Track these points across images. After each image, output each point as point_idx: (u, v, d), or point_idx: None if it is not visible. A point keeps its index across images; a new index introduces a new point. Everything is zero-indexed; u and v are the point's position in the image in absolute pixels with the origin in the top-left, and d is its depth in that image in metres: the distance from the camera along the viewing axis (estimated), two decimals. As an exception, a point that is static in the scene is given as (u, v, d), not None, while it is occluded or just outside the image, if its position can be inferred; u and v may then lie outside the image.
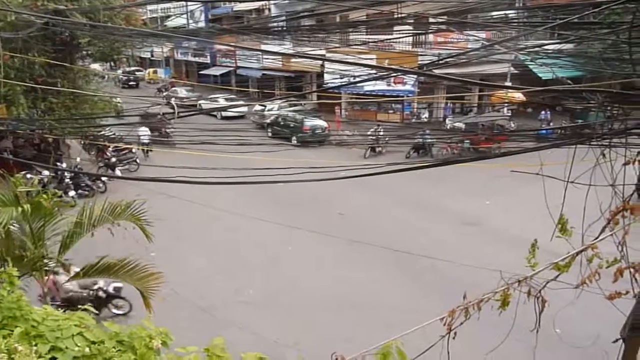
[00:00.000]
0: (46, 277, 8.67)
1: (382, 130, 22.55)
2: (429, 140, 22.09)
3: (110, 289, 10.67)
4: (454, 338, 3.13)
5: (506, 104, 25.54)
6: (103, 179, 18.79)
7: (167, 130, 22.40)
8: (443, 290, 11.88)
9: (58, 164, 19.67)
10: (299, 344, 9.54)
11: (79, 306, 8.85)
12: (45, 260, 7.20)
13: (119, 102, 22.06)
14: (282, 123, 27.66)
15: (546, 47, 7.56)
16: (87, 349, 3.33)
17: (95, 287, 10.58)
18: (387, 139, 22.07)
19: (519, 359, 9.01)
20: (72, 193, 17.23)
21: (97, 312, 9.85)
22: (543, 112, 27.71)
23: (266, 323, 10.60)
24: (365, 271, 12.77)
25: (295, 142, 25.53)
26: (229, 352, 3.31)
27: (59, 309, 9.51)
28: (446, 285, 12.03)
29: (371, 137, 22.97)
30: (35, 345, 3.31)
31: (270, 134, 27.19)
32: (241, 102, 32.70)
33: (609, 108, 4.31)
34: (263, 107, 30.93)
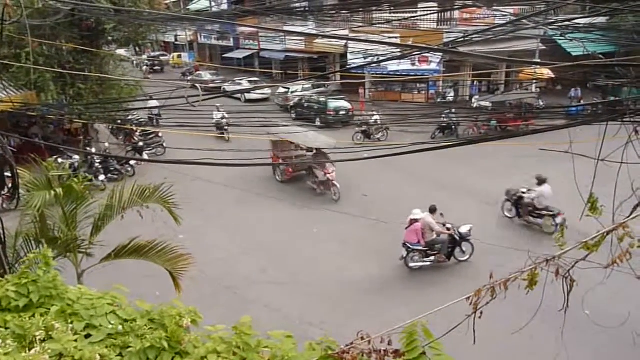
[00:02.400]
0: (415, 225, 11.71)
1: (378, 115, 22.34)
2: (455, 120, 21.77)
3: (464, 231, 11.90)
4: (479, 317, 3.12)
5: (534, 80, 24.86)
6: (132, 162, 19.14)
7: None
8: (468, 270, 11.84)
9: (88, 148, 20.11)
10: (324, 323, 9.66)
11: (433, 250, 11.65)
12: (78, 242, 7.41)
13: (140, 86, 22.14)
14: (305, 105, 27.59)
15: (577, 21, 7.31)
16: (120, 327, 3.44)
17: (451, 229, 11.92)
18: (385, 126, 22.15)
19: (546, 340, 8.97)
20: (101, 177, 17.63)
21: (446, 258, 11.99)
22: (573, 90, 26.89)
23: (292, 302, 10.75)
24: (389, 252, 12.77)
25: (319, 124, 25.49)
26: (255, 330, 3.37)
27: (422, 254, 11.81)
28: (471, 266, 11.98)
29: (364, 123, 22.86)
30: (71, 323, 3.43)
31: (294, 116, 27.18)
32: (264, 85, 32.69)
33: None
34: (287, 90, 30.90)
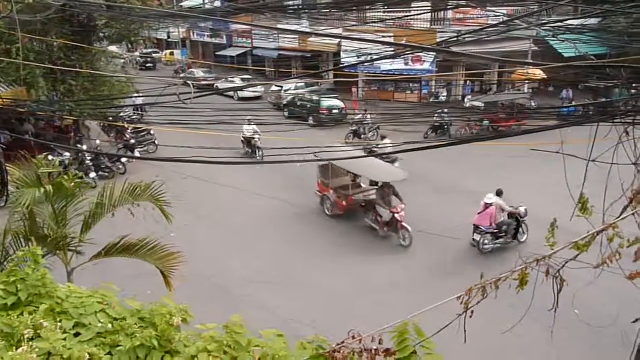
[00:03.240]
0: (488, 209, 12.27)
1: (369, 115, 22.28)
2: (447, 119, 21.85)
3: (523, 211, 12.47)
4: (470, 317, 3.13)
5: (527, 81, 25.02)
6: (123, 160, 19.02)
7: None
8: (463, 269, 11.89)
9: (79, 146, 19.97)
10: (315, 322, 9.65)
11: (502, 232, 12.33)
12: (68, 240, 7.35)
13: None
14: (299, 104, 27.56)
15: (569, 22, 7.35)
16: (109, 325, 3.42)
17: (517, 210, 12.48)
18: (376, 125, 21.86)
19: (535, 339, 9.04)
20: (92, 174, 17.50)
21: (512, 239, 12.59)
22: (565, 91, 27.10)
23: (283, 302, 10.74)
24: (383, 252, 12.80)
25: (312, 122, 25.48)
26: (247, 329, 3.36)
27: (492, 236, 12.39)
28: (466, 265, 12.03)
29: (354, 122, 22.83)
30: (60, 321, 3.41)
31: (287, 115, 27.16)
32: (257, 82, 32.60)
33: (633, 85, 4.19)
34: (280, 88, 30.87)
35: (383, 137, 18.10)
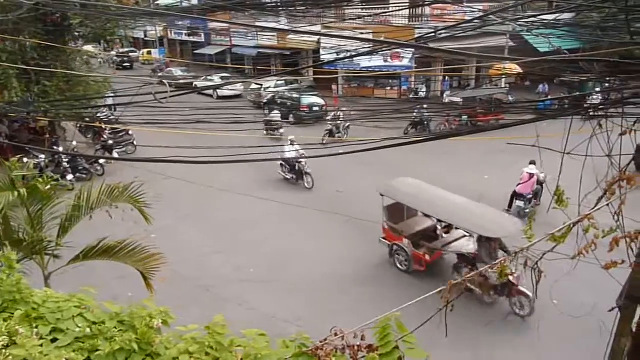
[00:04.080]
0: (532, 178, 14.15)
1: (341, 114, 21.96)
2: (427, 114, 21.98)
3: (542, 177, 14.06)
4: (451, 310, 3.16)
5: (504, 76, 25.36)
6: (101, 161, 18.70)
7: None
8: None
9: (55, 147, 19.59)
10: (300, 320, 9.65)
11: (534, 198, 14.77)
12: (45, 244, 7.21)
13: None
14: (279, 102, 27.42)
15: (543, 17, 7.46)
16: (88, 330, 3.35)
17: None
18: (347, 124, 21.59)
19: (516, 329, 9.18)
20: (69, 177, 17.19)
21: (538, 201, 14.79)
22: (541, 86, 27.54)
23: (267, 300, 10.71)
24: (364, 248, 12.84)
25: (293, 120, 25.37)
26: (230, 329, 3.34)
27: (529, 201, 14.51)
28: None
29: (330, 122, 22.54)
30: (36, 327, 3.33)
31: (267, 113, 27.04)
32: (235, 80, 32.36)
33: (606, 78, 4.27)
34: (259, 86, 30.68)
35: (290, 140, 17.32)
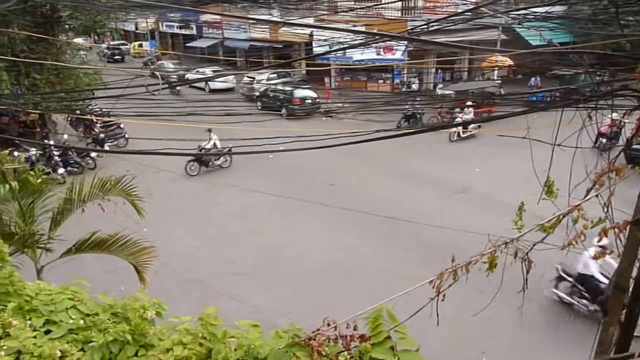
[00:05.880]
0: None
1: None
2: (419, 107, 22.03)
3: None
4: (442, 300, 3.20)
5: (495, 68, 25.44)
6: (92, 155, 18.59)
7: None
8: (433, 255, 12.08)
9: (45, 141, 19.43)
10: (291, 312, 9.68)
11: None
12: (36, 237, 7.18)
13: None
14: (271, 95, 27.31)
15: (535, 10, 7.49)
16: (81, 321, 3.36)
17: None
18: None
19: (505, 320, 9.27)
20: (61, 170, 17.08)
21: None
22: (533, 79, 27.68)
23: (258, 293, 10.73)
24: (355, 239, 12.89)
25: (285, 114, 25.29)
26: (222, 321, 3.35)
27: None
28: (436, 251, 12.22)
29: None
30: (30, 319, 3.33)
31: (259, 107, 26.94)
32: (227, 73, 32.20)
33: (597, 71, 4.30)
34: (252, 79, 30.52)
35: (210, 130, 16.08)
